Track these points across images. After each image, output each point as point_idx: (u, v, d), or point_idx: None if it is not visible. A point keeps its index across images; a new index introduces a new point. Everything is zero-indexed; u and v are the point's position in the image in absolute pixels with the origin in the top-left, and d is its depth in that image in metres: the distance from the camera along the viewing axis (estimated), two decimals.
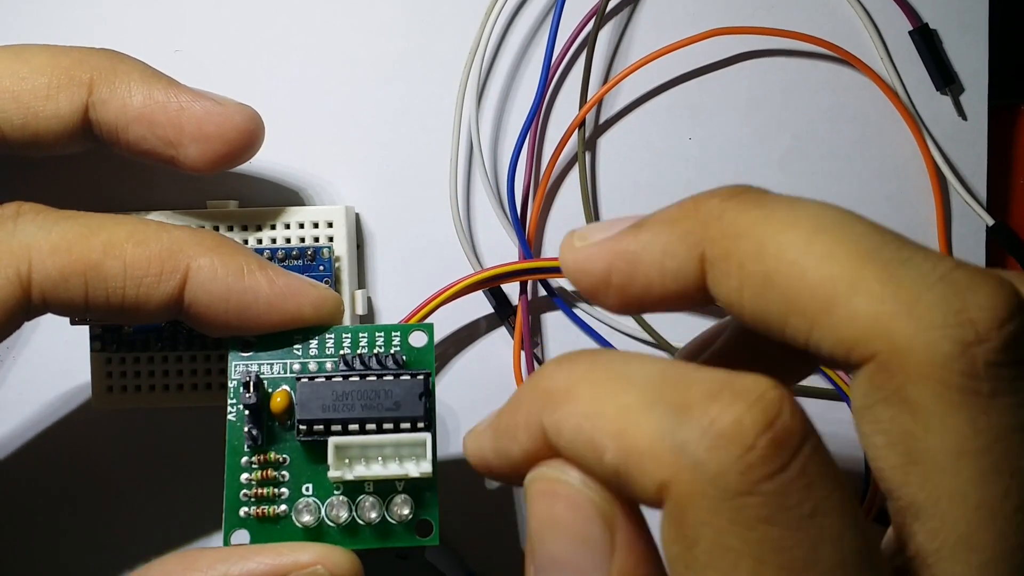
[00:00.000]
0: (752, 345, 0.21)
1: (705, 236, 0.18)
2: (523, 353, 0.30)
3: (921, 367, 0.15)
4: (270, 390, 0.24)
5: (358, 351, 0.25)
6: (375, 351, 0.25)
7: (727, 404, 0.15)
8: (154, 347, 0.28)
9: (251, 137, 0.26)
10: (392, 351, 0.25)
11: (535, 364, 0.30)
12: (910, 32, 0.30)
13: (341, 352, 0.25)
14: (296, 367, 0.25)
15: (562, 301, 0.30)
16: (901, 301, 0.16)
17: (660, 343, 0.30)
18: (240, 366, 0.25)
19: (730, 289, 0.17)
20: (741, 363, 0.18)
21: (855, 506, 0.15)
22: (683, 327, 0.31)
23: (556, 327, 0.31)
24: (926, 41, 0.30)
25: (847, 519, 0.15)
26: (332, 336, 0.25)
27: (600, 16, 0.30)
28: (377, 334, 0.25)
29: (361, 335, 0.25)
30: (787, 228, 0.17)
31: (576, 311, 0.30)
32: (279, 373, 0.25)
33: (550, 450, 0.17)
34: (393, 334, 0.25)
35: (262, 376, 0.25)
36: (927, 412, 0.15)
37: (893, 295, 0.16)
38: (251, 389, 0.24)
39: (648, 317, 0.30)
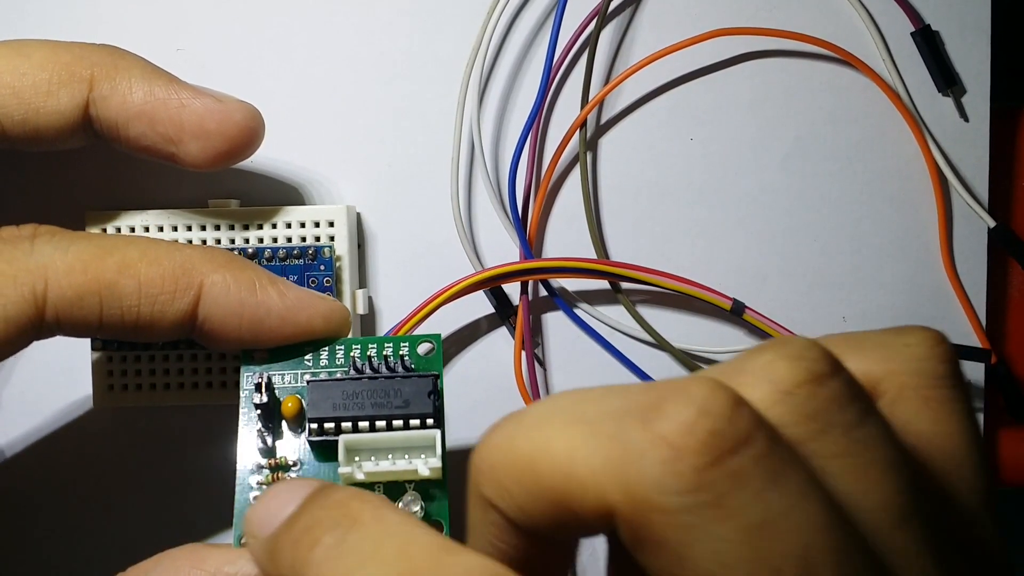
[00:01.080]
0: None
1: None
2: (524, 354, 0.30)
3: (644, 505, 0.15)
4: (280, 398, 0.25)
5: (368, 355, 0.25)
6: (384, 355, 0.25)
7: (668, 420, 0.15)
8: (155, 346, 0.28)
9: (251, 134, 0.26)
10: (401, 355, 0.25)
11: (536, 365, 0.30)
12: (912, 33, 0.30)
13: (352, 355, 0.25)
14: (307, 377, 0.25)
15: (563, 301, 0.30)
16: (608, 447, 0.16)
17: (660, 343, 0.30)
18: (252, 376, 0.25)
19: (510, 511, 0.17)
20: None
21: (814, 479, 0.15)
22: (683, 326, 0.31)
23: (557, 327, 0.31)
24: (928, 42, 0.30)
25: (805, 487, 0.15)
26: (342, 347, 0.25)
27: (602, 16, 0.30)
28: (386, 345, 0.25)
29: (370, 346, 0.25)
30: (509, 444, 0.17)
31: (577, 311, 0.30)
32: (290, 383, 0.25)
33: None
34: (402, 344, 0.25)
35: (274, 382, 0.25)
36: (670, 545, 0.15)
37: (601, 447, 0.16)
38: (262, 390, 0.24)
39: (649, 317, 0.30)
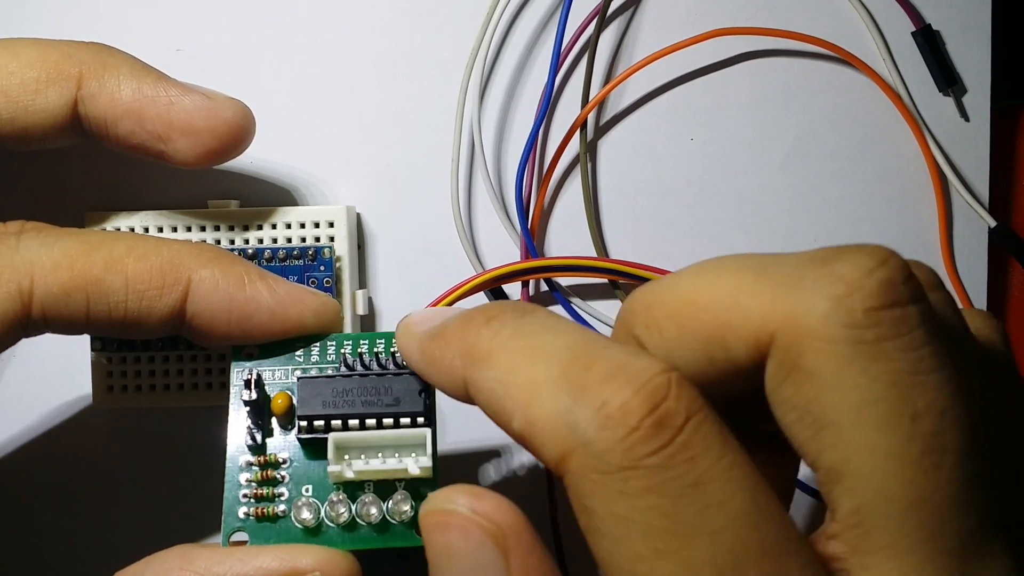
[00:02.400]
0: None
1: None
2: None
3: (806, 333, 0.16)
4: (270, 394, 0.24)
5: (359, 352, 0.25)
6: (375, 352, 0.25)
7: (618, 388, 0.17)
8: (154, 346, 0.28)
9: (241, 132, 0.26)
10: (392, 352, 0.25)
11: None
12: (912, 33, 0.30)
13: (342, 352, 0.25)
14: (297, 373, 0.25)
15: (562, 297, 0.30)
16: (778, 284, 0.17)
17: None
18: (242, 372, 0.25)
19: (658, 349, 0.18)
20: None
21: (746, 471, 0.16)
22: None
23: None
24: (928, 42, 0.30)
25: (734, 483, 0.16)
26: (333, 343, 0.25)
27: (602, 17, 0.30)
28: (377, 341, 0.25)
29: (362, 342, 0.25)
30: (670, 284, 0.19)
31: (577, 309, 0.30)
32: (281, 379, 0.25)
33: (467, 395, 0.20)
34: (393, 341, 0.25)
35: (264, 378, 0.25)
36: (822, 374, 0.16)
37: (772, 283, 0.17)
38: (251, 387, 0.24)
39: None
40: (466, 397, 0.20)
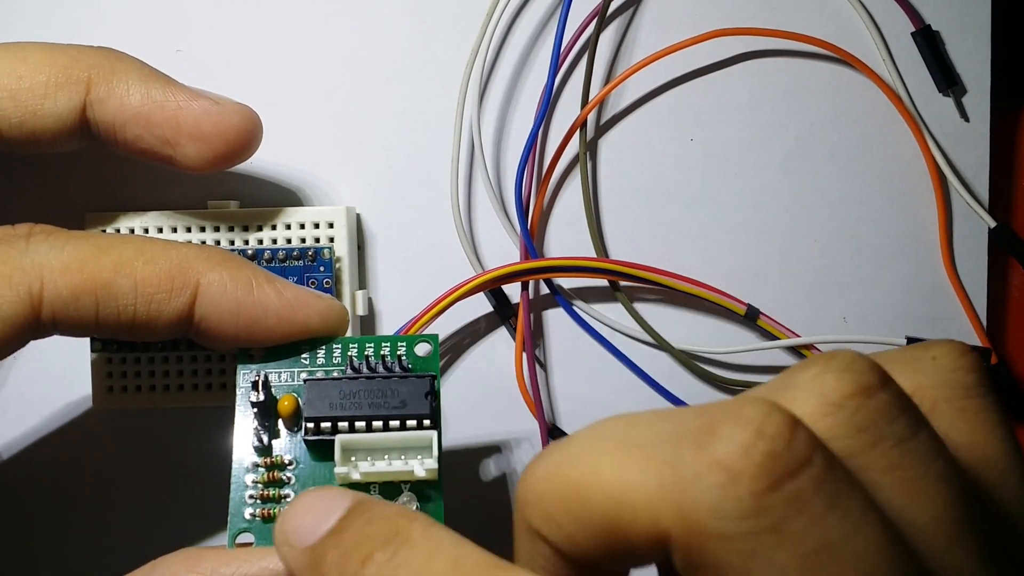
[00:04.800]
0: None
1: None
2: (524, 354, 0.30)
3: (701, 530, 0.15)
4: (277, 396, 0.25)
5: (365, 355, 0.25)
6: (382, 355, 0.25)
7: (724, 442, 0.15)
8: (154, 347, 0.28)
9: (249, 137, 0.26)
10: (399, 355, 0.25)
11: (536, 366, 0.30)
12: (912, 33, 0.30)
13: (348, 355, 0.25)
14: (303, 376, 0.25)
15: (564, 299, 0.30)
16: (660, 474, 0.15)
17: (660, 343, 0.30)
18: (249, 375, 0.25)
19: (559, 541, 0.17)
20: None
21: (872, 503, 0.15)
22: (684, 327, 0.31)
23: (557, 328, 0.31)
24: (928, 42, 0.30)
25: (864, 509, 0.15)
26: (339, 346, 0.25)
27: (602, 17, 0.30)
28: (383, 344, 0.25)
29: (368, 345, 0.25)
30: (557, 471, 0.17)
31: (578, 310, 0.30)
32: (287, 381, 0.25)
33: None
34: (399, 344, 0.25)
35: (270, 380, 0.25)
36: (729, 571, 0.15)
37: (653, 473, 0.16)
38: (258, 389, 0.24)
39: (649, 317, 0.30)
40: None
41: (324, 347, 0.25)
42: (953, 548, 0.16)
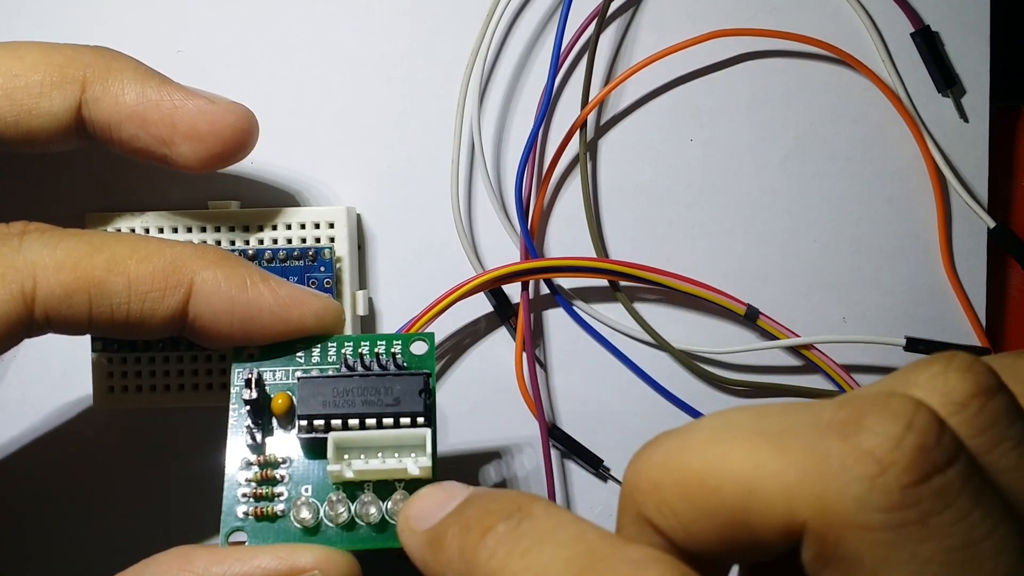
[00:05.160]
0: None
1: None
2: (524, 355, 0.30)
3: (841, 521, 0.15)
4: (271, 394, 0.24)
5: (359, 353, 0.25)
6: (376, 353, 0.25)
7: (874, 434, 0.15)
8: (154, 347, 0.28)
9: (244, 136, 0.26)
10: (393, 353, 0.25)
11: (536, 366, 0.30)
12: (911, 34, 0.30)
13: (343, 352, 0.25)
14: (298, 374, 0.25)
15: (564, 299, 0.30)
16: (800, 464, 0.15)
17: (660, 343, 0.30)
18: (243, 373, 0.25)
19: (674, 531, 0.17)
20: None
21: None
22: (684, 327, 0.31)
23: (557, 328, 0.31)
24: (927, 43, 0.30)
25: (1003, 508, 0.15)
26: (334, 344, 0.25)
27: (602, 17, 0.30)
28: (379, 342, 0.25)
29: (363, 343, 0.25)
30: (678, 456, 0.17)
31: (578, 310, 0.30)
32: (281, 379, 0.25)
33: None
34: (395, 342, 0.25)
35: (264, 378, 0.25)
36: (867, 563, 0.15)
37: (793, 463, 0.15)
38: (252, 387, 0.24)
39: (649, 317, 0.30)
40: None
41: (319, 345, 0.25)
42: None
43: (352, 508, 0.24)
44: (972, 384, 0.16)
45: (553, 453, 0.30)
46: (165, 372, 0.28)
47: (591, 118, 0.31)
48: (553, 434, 0.30)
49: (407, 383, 0.24)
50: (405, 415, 0.24)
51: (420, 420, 0.24)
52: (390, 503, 0.24)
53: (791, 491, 0.15)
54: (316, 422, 0.24)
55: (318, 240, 0.28)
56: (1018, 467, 0.16)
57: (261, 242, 0.28)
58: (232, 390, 0.25)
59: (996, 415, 0.16)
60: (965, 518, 0.15)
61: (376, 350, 0.25)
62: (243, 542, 0.24)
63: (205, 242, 0.28)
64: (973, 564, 0.15)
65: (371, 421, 0.24)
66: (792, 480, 0.15)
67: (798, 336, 0.30)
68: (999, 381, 0.16)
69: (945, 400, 0.16)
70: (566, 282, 0.31)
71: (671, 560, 0.16)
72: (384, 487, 0.24)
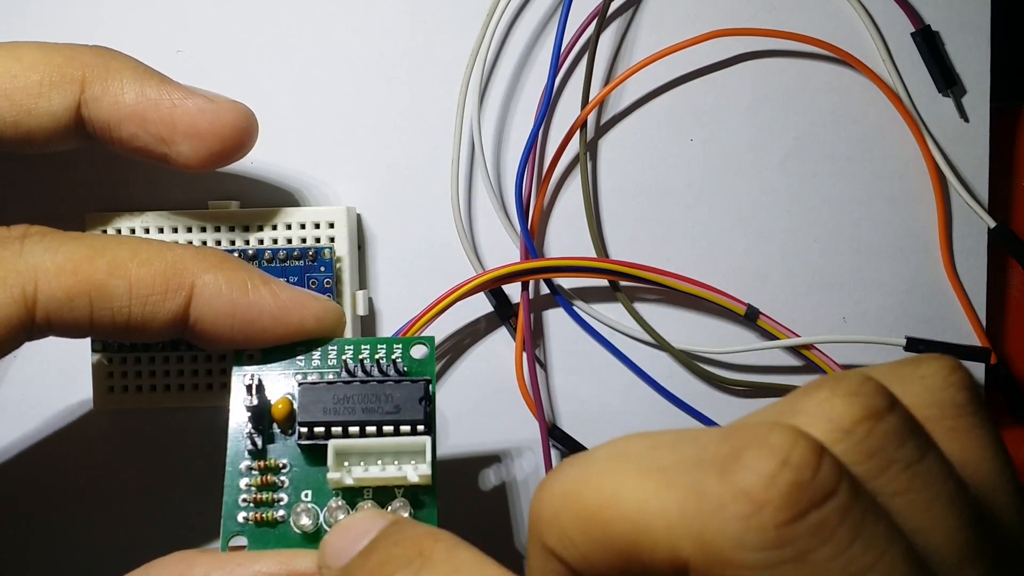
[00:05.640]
0: None
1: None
2: (524, 355, 0.30)
3: (721, 559, 0.15)
4: (271, 399, 0.24)
5: (360, 358, 0.25)
6: (377, 359, 0.25)
7: (749, 471, 0.15)
8: (154, 348, 0.28)
9: (244, 135, 0.26)
10: (394, 359, 0.25)
11: (537, 367, 0.30)
12: (912, 34, 0.30)
13: (343, 358, 0.25)
14: (298, 378, 0.25)
15: (564, 299, 0.30)
16: (682, 500, 0.15)
17: (660, 343, 0.30)
18: (243, 377, 0.25)
19: (575, 561, 0.17)
20: None
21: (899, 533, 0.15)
22: (684, 327, 0.31)
23: (557, 328, 0.31)
24: (928, 43, 0.30)
25: (888, 538, 0.15)
26: (335, 348, 0.25)
27: (602, 17, 0.30)
28: (379, 346, 0.25)
29: (363, 347, 0.25)
30: (574, 489, 0.17)
31: (578, 310, 0.30)
32: (282, 383, 0.25)
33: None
34: (395, 346, 0.25)
35: (264, 383, 0.25)
36: None
37: (675, 498, 0.15)
38: (252, 392, 0.24)
39: (649, 317, 0.30)
40: None
41: (320, 349, 0.25)
42: (966, 568, 0.16)
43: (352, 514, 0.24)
44: (859, 409, 0.16)
45: (553, 453, 0.30)
46: (165, 372, 0.28)
47: (591, 118, 0.31)
48: (553, 434, 0.30)
49: (407, 390, 0.24)
50: (405, 423, 0.24)
51: (420, 428, 0.24)
52: (389, 509, 0.24)
53: (674, 528, 0.15)
54: (316, 429, 0.24)
55: (318, 240, 0.28)
56: (909, 489, 0.16)
57: (261, 242, 0.28)
58: (232, 394, 0.25)
59: (884, 438, 0.16)
60: (844, 552, 0.14)
61: (376, 355, 0.25)
62: (243, 547, 0.24)
63: (205, 242, 0.28)
64: None
65: (371, 428, 0.24)
66: (673, 518, 0.15)
67: (798, 336, 0.30)
68: (890, 400, 0.16)
69: (831, 427, 0.16)
70: (566, 282, 0.31)
71: None
72: (384, 493, 0.24)
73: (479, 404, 0.30)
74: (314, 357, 0.25)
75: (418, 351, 0.25)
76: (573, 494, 0.17)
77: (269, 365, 0.25)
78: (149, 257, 0.24)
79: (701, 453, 0.16)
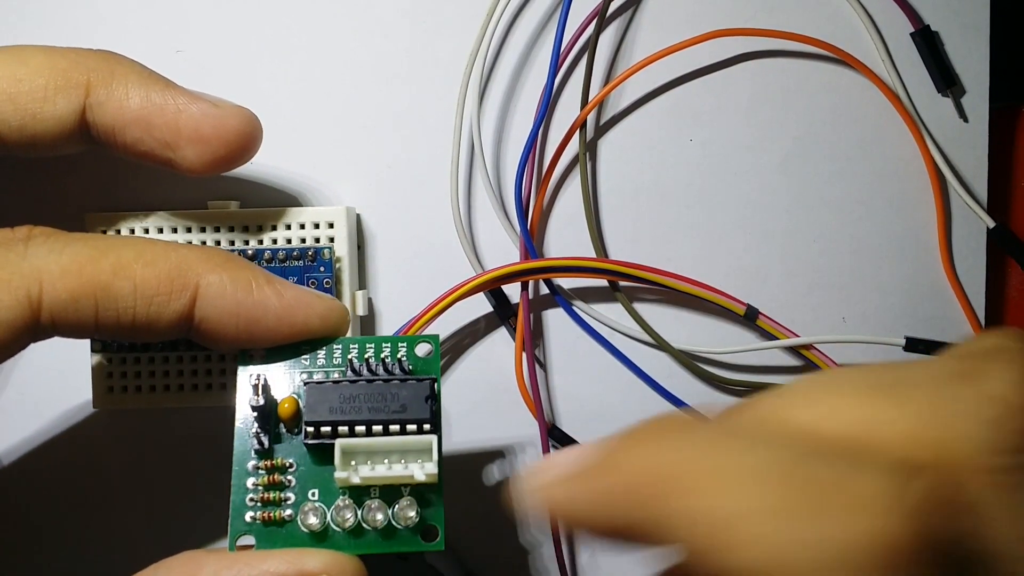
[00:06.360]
0: None
1: None
2: (524, 355, 0.30)
3: (965, 464, 0.15)
4: (277, 398, 0.24)
5: (365, 358, 0.25)
6: (382, 358, 0.25)
7: (870, 515, 0.15)
8: (154, 348, 0.28)
9: (248, 139, 0.26)
10: (399, 358, 0.25)
11: (536, 367, 0.30)
12: (911, 34, 0.30)
13: (349, 357, 0.25)
14: (303, 377, 0.25)
15: (563, 299, 0.30)
16: (919, 412, 0.15)
17: (660, 344, 0.30)
18: (249, 376, 0.25)
19: None
20: None
21: None
22: (684, 327, 0.31)
23: (557, 328, 0.31)
24: (927, 43, 0.30)
25: None
26: (339, 347, 0.25)
27: (601, 17, 0.30)
28: (384, 345, 0.25)
29: (368, 346, 0.25)
30: (805, 407, 0.16)
31: (577, 311, 0.30)
32: (287, 383, 0.25)
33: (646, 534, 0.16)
34: (400, 345, 0.25)
35: (270, 386, 0.25)
36: (985, 507, 0.15)
37: (912, 410, 0.15)
38: (258, 392, 0.24)
39: (649, 318, 0.30)
40: (642, 536, 0.17)
41: (325, 347, 0.25)
42: None
43: (359, 513, 0.24)
44: None
45: (553, 453, 0.30)
46: (165, 372, 0.28)
47: (591, 118, 0.31)
48: (553, 434, 0.30)
49: (413, 389, 0.24)
50: (412, 421, 0.24)
51: (426, 427, 0.24)
52: (396, 508, 0.24)
53: (907, 437, 0.15)
54: (323, 428, 0.24)
55: (318, 240, 0.28)
56: None
57: (261, 242, 0.28)
58: (238, 394, 0.25)
59: None
60: None
61: (382, 354, 0.25)
62: (251, 546, 0.24)
63: (205, 243, 0.28)
64: None
65: (378, 427, 0.24)
66: (907, 427, 0.15)
67: (798, 336, 0.30)
68: None
69: None
70: (566, 282, 0.31)
71: (877, 467, 0.15)
72: (390, 492, 0.24)
73: (479, 404, 0.30)
74: (319, 356, 0.25)
75: (423, 349, 0.25)
76: (780, 417, 0.16)
77: (275, 364, 0.25)
78: (154, 258, 0.24)
79: (933, 372, 0.16)
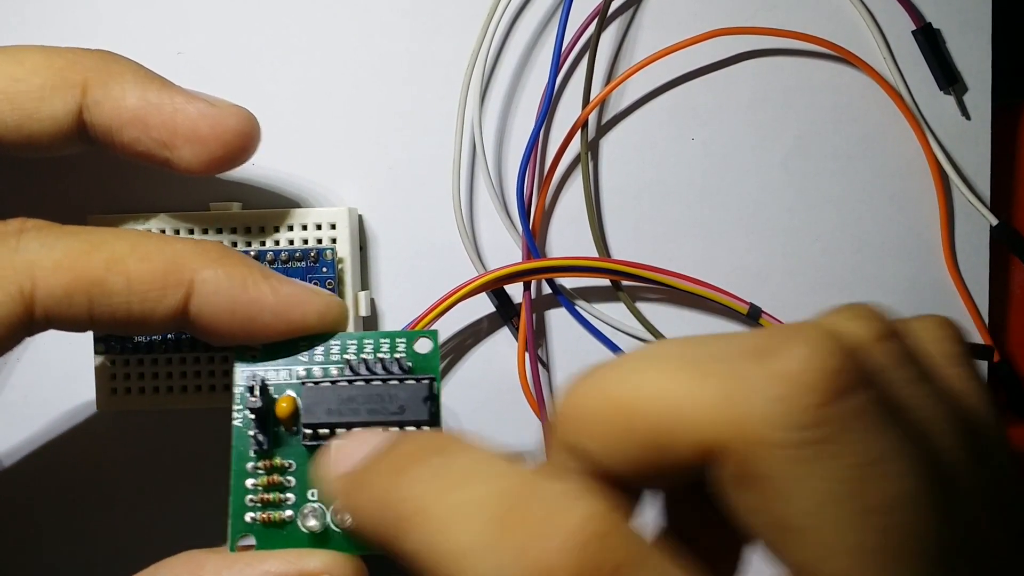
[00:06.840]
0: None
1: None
2: (527, 355, 0.30)
3: (757, 439, 0.16)
4: (275, 396, 0.24)
5: (363, 357, 0.25)
6: (380, 357, 0.25)
7: (550, 548, 0.15)
8: (158, 349, 0.28)
9: (246, 139, 0.26)
10: (397, 357, 0.25)
11: (539, 366, 0.30)
12: (913, 32, 0.30)
13: (346, 357, 0.25)
14: (301, 373, 0.25)
15: (566, 299, 0.30)
16: (718, 388, 0.16)
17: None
18: (246, 372, 0.25)
19: (595, 455, 0.18)
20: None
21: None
22: (685, 326, 0.31)
23: (559, 327, 0.31)
24: (929, 40, 0.30)
25: (911, 431, 0.16)
26: (338, 343, 0.25)
27: (602, 17, 0.30)
28: (382, 341, 0.25)
29: (366, 342, 0.25)
30: (601, 387, 0.18)
31: (580, 310, 0.30)
32: (285, 380, 0.25)
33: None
34: (398, 340, 0.25)
35: (268, 382, 0.24)
36: (776, 479, 0.16)
37: (711, 386, 0.16)
38: (256, 393, 0.24)
39: (651, 317, 0.30)
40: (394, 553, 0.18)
41: (323, 343, 0.25)
42: (977, 471, 0.17)
43: None
44: (879, 326, 0.18)
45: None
46: (168, 374, 0.28)
47: (592, 118, 0.31)
48: None
49: (412, 390, 0.24)
50: (410, 423, 0.24)
51: (425, 428, 0.24)
52: None
53: (709, 412, 0.16)
54: (321, 430, 0.24)
55: (320, 241, 0.28)
56: (920, 406, 0.17)
57: (263, 244, 0.28)
58: (235, 391, 0.25)
59: (898, 357, 0.17)
60: (872, 438, 0.16)
61: (380, 350, 0.25)
62: (252, 546, 0.24)
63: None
64: (877, 482, 0.15)
65: (376, 429, 0.24)
66: (708, 401, 0.16)
67: None
68: (898, 329, 0.18)
69: (856, 336, 0.17)
70: (568, 282, 0.31)
71: (593, 489, 0.16)
72: None
73: (482, 404, 0.30)
74: (317, 352, 0.25)
75: (422, 345, 0.25)
76: (602, 390, 0.17)
77: (272, 362, 0.25)
78: (148, 252, 0.24)
79: (738, 347, 0.17)
